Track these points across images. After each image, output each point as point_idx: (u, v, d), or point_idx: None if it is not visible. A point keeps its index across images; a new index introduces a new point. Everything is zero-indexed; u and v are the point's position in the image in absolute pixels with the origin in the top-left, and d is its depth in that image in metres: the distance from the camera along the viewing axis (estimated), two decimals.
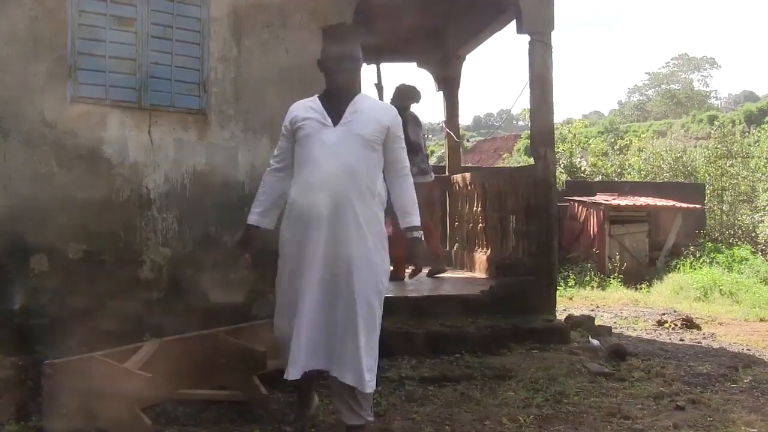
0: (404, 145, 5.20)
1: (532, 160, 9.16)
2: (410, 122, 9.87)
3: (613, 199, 18.24)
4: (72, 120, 6.41)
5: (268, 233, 5.24)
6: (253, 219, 5.21)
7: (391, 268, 6.18)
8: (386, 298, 7.93)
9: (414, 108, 10.37)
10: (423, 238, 5.26)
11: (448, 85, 12.92)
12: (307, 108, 5.03)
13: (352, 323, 4.77)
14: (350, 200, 4.84)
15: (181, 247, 6.85)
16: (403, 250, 10.11)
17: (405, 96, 10.29)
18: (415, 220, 5.13)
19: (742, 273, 15.96)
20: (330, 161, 4.85)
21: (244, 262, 5.12)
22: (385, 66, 13.00)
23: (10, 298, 6.10)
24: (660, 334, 9.77)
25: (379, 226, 5.00)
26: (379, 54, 12.31)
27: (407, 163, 5.19)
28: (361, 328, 4.77)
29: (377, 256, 4.95)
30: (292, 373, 4.74)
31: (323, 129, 4.92)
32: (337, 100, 5.01)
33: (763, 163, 25.04)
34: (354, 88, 5.12)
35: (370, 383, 4.77)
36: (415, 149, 9.53)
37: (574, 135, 28.37)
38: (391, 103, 9.72)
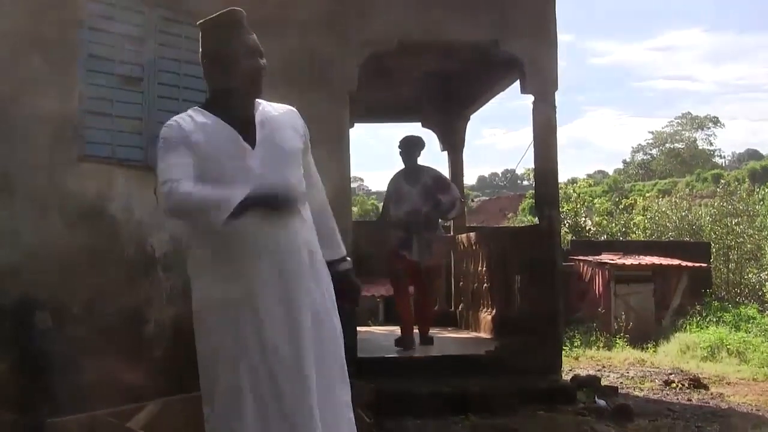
0: None
1: (536, 220, 9.17)
2: (441, 181, 9.70)
3: (619, 258, 18.19)
4: (78, 178, 6.44)
5: None
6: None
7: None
8: (391, 358, 7.95)
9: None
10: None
11: (453, 145, 12.98)
12: (200, 125, 3.57)
13: None
14: (304, 244, 3.63)
15: (185, 306, 6.83)
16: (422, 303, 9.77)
17: (414, 147, 9.71)
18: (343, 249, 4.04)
19: (749, 332, 15.84)
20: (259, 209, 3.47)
21: None
22: (389, 126, 13.06)
23: (13, 354, 6.08)
24: (667, 395, 9.68)
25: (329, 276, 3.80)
26: (384, 113, 12.46)
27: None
28: None
29: (336, 320, 3.75)
30: None
31: (241, 154, 3.56)
32: (241, 109, 3.65)
33: None
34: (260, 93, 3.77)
35: None
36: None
37: (579, 194, 28.43)
38: (404, 156, 9.69)
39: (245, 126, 3.60)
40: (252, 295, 3.48)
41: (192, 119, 3.58)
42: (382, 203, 10.36)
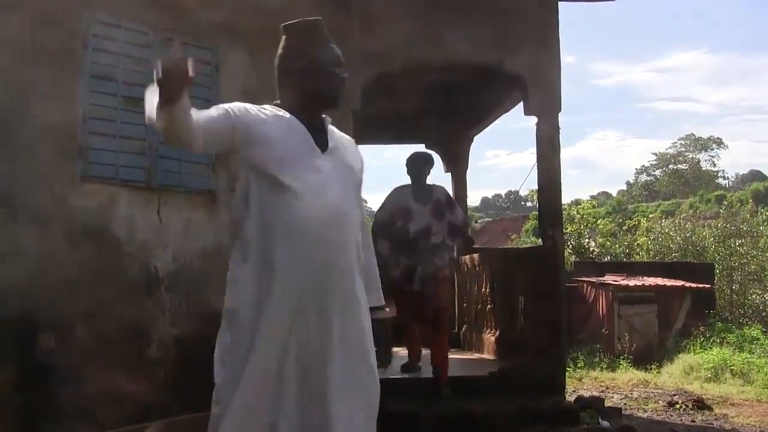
0: None
1: (540, 241, 9.16)
2: (451, 201, 8.76)
3: (622, 279, 18.17)
4: (81, 199, 6.45)
5: None
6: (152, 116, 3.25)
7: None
8: (394, 379, 7.93)
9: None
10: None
11: (456, 166, 13.00)
12: (277, 118, 3.55)
13: None
14: (354, 269, 3.54)
15: (188, 326, 6.83)
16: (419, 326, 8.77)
17: (426, 163, 8.76)
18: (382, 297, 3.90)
19: (753, 353, 15.79)
20: (331, 200, 3.45)
21: None
22: (393, 147, 13.05)
23: (16, 375, 6.07)
24: (671, 416, 9.66)
25: None
26: (388, 134, 12.45)
27: None
28: None
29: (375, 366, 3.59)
30: None
31: (313, 154, 3.51)
32: (317, 117, 3.65)
33: None
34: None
35: None
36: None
37: (582, 216, 28.39)
38: (413, 173, 8.59)
39: (317, 132, 3.57)
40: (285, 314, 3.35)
41: (271, 112, 3.57)
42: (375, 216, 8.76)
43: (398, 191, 8.62)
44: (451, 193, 12.13)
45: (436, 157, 13.18)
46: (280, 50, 3.68)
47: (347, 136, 3.81)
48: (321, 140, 3.56)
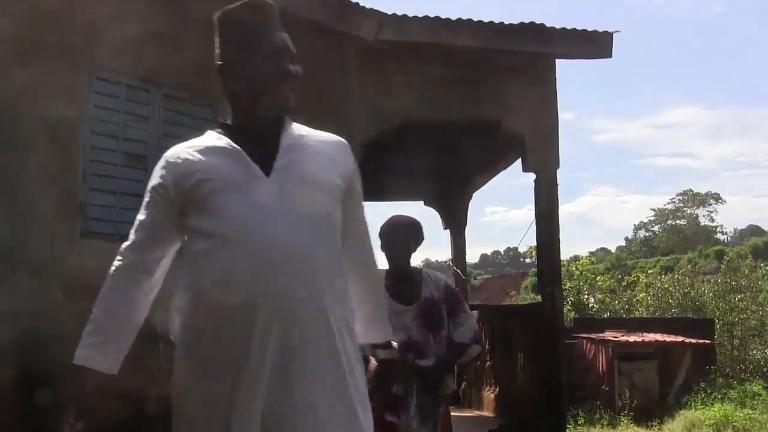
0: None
1: (539, 298, 9.18)
2: (453, 298, 5.40)
3: (622, 335, 18.12)
4: (81, 254, 6.45)
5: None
6: (82, 355, 2.81)
7: None
8: None
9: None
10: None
11: (455, 223, 13.03)
12: (208, 150, 2.64)
13: None
14: (319, 317, 2.51)
15: None
16: None
17: (412, 234, 5.28)
18: (390, 331, 3.04)
19: (755, 408, 15.69)
20: (272, 237, 2.46)
21: None
22: (391, 204, 13.05)
23: (14, 430, 6.04)
24: None
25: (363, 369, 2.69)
26: (386, 192, 12.49)
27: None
28: None
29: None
30: None
31: (249, 181, 2.54)
32: (262, 131, 2.65)
33: None
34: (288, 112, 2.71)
35: None
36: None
37: (581, 272, 28.39)
38: (390, 249, 5.17)
39: (267, 150, 2.60)
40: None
41: (199, 145, 2.70)
42: None
43: None
44: (449, 250, 12.15)
45: (435, 215, 13.25)
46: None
47: (323, 135, 2.82)
48: (264, 159, 2.59)
